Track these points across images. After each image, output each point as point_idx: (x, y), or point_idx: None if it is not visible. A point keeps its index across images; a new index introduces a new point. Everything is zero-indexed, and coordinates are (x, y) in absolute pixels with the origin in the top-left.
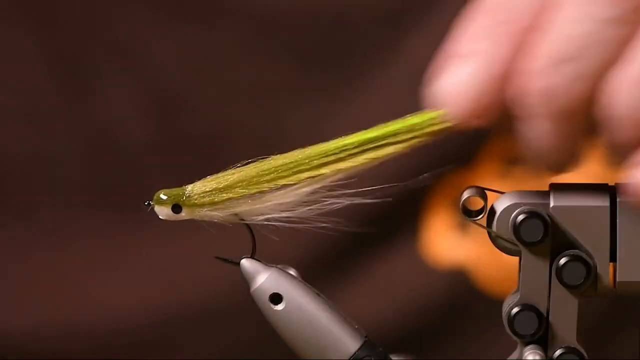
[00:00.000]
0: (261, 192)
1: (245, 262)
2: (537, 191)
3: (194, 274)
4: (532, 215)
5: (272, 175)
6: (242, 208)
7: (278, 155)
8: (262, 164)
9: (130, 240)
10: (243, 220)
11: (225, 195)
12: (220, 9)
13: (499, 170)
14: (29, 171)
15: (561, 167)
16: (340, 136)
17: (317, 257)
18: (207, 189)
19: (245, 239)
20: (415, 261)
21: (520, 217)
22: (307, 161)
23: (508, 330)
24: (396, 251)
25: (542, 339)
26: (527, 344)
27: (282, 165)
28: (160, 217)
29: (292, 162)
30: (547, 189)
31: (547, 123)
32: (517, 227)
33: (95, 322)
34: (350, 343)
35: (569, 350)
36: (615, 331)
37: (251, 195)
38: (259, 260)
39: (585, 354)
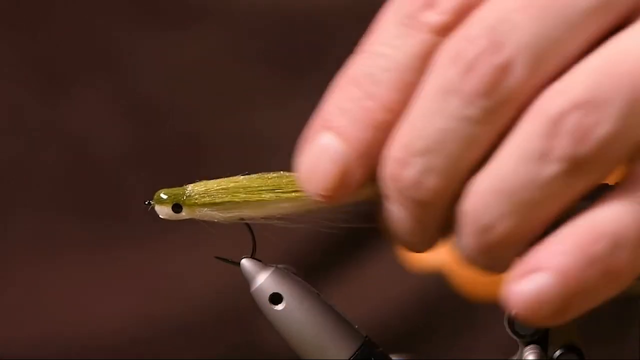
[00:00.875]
0: (262, 200)
1: (245, 262)
2: None
3: (176, 283)
4: None
5: (275, 192)
6: (243, 209)
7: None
8: (268, 177)
9: (112, 250)
10: (243, 220)
11: (226, 196)
12: (200, 14)
13: None
14: (6, 180)
15: (417, 249)
16: None
17: (308, 257)
18: (208, 189)
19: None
20: (392, 264)
21: None
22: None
23: (508, 330)
24: (373, 255)
25: (542, 339)
26: (527, 344)
27: (287, 184)
28: (160, 216)
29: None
30: None
31: (401, 209)
32: None
33: (76, 334)
34: (350, 343)
35: (569, 350)
36: (615, 331)
37: (252, 202)
38: (259, 260)
39: (585, 354)
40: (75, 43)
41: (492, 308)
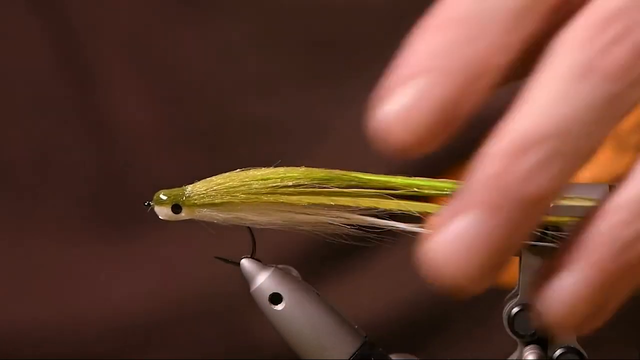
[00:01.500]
0: (262, 203)
1: (245, 262)
2: None
3: (186, 271)
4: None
5: (274, 194)
6: (243, 210)
7: (283, 169)
8: (267, 174)
9: (135, 237)
10: (243, 221)
11: (226, 197)
12: (229, 3)
13: None
14: (34, 164)
15: (475, 282)
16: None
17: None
18: (208, 189)
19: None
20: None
21: None
22: (313, 184)
23: (508, 330)
24: (386, 249)
25: (542, 339)
26: (527, 344)
27: (286, 184)
28: (160, 217)
29: (297, 181)
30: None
31: (482, 221)
32: None
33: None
34: (350, 343)
35: (569, 350)
36: (616, 331)
37: (252, 204)
38: (259, 260)
39: (585, 354)
40: (107, 30)
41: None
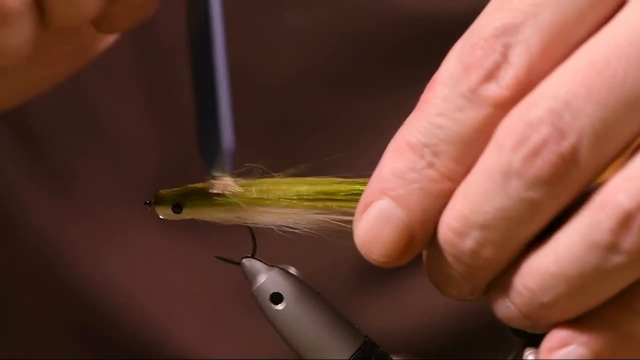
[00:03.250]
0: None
1: (246, 262)
2: None
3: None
4: None
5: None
6: (243, 210)
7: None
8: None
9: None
10: (244, 221)
11: (225, 198)
12: None
13: None
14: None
15: (457, 298)
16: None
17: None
18: (208, 190)
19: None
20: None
21: None
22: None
23: (508, 330)
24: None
25: (542, 339)
26: (526, 344)
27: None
28: (160, 217)
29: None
30: None
31: (452, 268)
32: None
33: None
34: (351, 343)
35: None
36: None
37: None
38: (259, 260)
39: None
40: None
41: None
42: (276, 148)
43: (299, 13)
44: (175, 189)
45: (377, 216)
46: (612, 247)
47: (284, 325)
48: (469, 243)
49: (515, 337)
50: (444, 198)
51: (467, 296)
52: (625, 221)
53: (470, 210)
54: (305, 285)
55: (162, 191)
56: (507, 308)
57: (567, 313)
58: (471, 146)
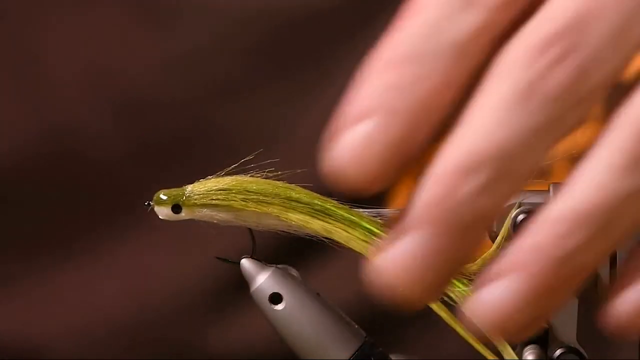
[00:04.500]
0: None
1: (245, 262)
2: (537, 190)
3: (158, 280)
4: (532, 214)
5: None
6: (243, 211)
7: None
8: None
9: (105, 248)
10: (244, 221)
11: (226, 198)
12: (187, 10)
13: None
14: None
15: (417, 299)
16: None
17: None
18: (208, 190)
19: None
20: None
21: (521, 217)
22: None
23: None
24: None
25: (542, 339)
26: (526, 343)
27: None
28: (160, 217)
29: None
30: (546, 188)
31: (426, 242)
32: (517, 227)
33: (73, 326)
34: (350, 343)
35: (569, 350)
36: None
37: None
38: (259, 260)
39: (585, 354)
40: (61, 41)
41: None
42: (181, 162)
43: (193, 28)
44: (174, 189)
45: (361, 135)
46: (635, 165)
47: (284, 325)
48: (472, 185)
49: None
50: (439, 112)
51: (430, 294)
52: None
53: (479, 140)
54: (305, 285)
55: (162, 191)
56: (500, 297)
57: (597, 262)
58: (469, 53)
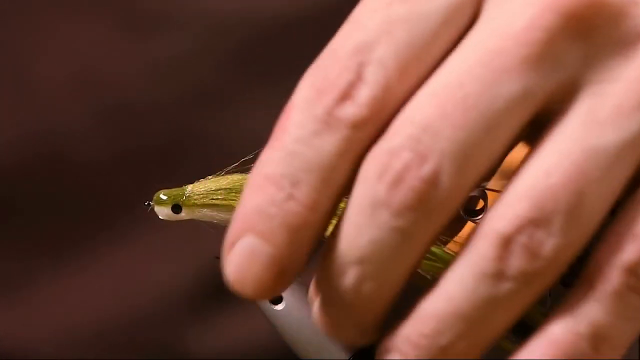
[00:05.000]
0: None
1: None
2: None
3: (143, 284)
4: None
5: None
6: None
7: None
8: None
9: (90, 254)
10: None
11: (226, 198)
12: (170, 18)
13: None
14: None
15: (346, 342)
16: None
17: None
18: (208, 190)
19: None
20: None
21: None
22: None
23: None
24: None
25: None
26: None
27: None
28: (160, 217)
29: None
30: None
31: (336, 310)
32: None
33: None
34: None
35: None
36: None
37: None
38: None
39: None
40: (47, 46)
41: None
42: (168, 167)
43: (177, 34)
44: (174, 189)
45: (243, 253)
46: (499, 274)
47: (284, 325)
48: (348, 280)
49: (515, 336)
50: (311, 229)
51: (356, 340)
52: (506, 246)
53: (345, 246)
54: (305, 286)
55: (162, 191)
56: (400, 346)
57: (468, 353)
58: (332, 173)
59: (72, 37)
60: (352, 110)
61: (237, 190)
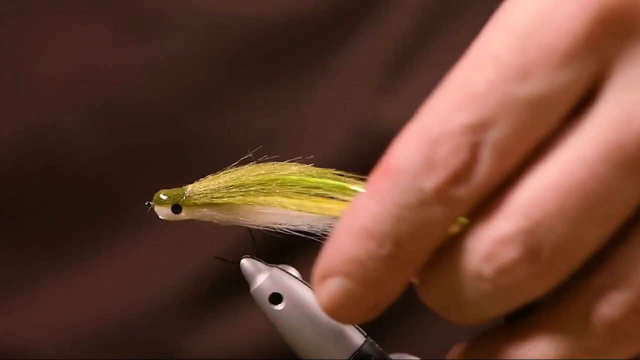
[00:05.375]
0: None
1: (245, 262)
2: None
3: (141, 284)
4: None
5: (273, 195)
6: (242, 210)
7: (282, 165)
8: (264, 174)
9: (87, 255)
10: (244, 221)
11: (225, 198)
12: (169, 19)
13: None
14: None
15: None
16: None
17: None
18: (208, 190)
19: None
20: None
21: None
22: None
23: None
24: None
25: None
26: None
27: (283, 183)
28: (160, 217)
29: (296, 184)
30: None
31: None
32: None
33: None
34: (351, 342)
35: None
36: None
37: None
38: (259, 260)
39: None
40: (47, 50)
41: None
42: (164, 166)
43: (174, 36)
44: (174, 189)
45: (338, 292)
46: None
47: (284, 325)
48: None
49: None
50: (405, 281)
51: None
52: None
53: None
54: (305, 285)
55: (162, 191)
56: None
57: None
58: (435, 239)
59: (71, 37)
60: (465, 192)
61: (236, 186)
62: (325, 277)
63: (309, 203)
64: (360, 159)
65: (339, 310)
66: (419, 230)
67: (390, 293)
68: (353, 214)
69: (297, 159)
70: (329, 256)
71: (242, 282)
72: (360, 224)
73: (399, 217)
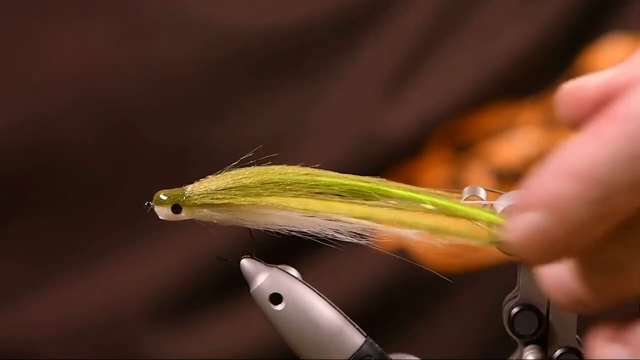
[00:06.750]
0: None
1: (245, 262)
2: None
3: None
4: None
5: (274, 195)
6: (242, 210)
7: (284, 168)
8: (264, 175)
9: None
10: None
11: (225, 198)
12: (171, 24)
13: (447, 157)
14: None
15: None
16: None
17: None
18: (208, 190)
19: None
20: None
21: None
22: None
23: (508, 330)
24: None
25: (542, 339)
26: (527, 344)
27: (284, 184)
28: (160, 217)
29: (297, 185)
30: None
31: None
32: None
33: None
34: (351, 343)
35: (569, 350)
36: None
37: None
38: (259, 260)
39: (585, 354)
40: (48, 51)
41: (459, 285)
42: (162, 170)
43: (175, 42)
44: (174, 189)
45: (534, 226)
46: None
47: (284, 325)
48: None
49: (515, 337)
50: (605, 229)
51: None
52: None
53: None
54: (305, 285)
55: (162, 191)
56: None
57: None
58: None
59: (72, 41)
60: None
61: (236, 188)
62: (526, 209)
63: (313, 203)
64: (364, 167)
65: (528, 245)
66: (637, 180)
67: (582, 242)
68: (568, 153)
69: (301, 165)
70: (535, 190)
71: (242, 282)
72: (576, 165)
73: (622, 165)
